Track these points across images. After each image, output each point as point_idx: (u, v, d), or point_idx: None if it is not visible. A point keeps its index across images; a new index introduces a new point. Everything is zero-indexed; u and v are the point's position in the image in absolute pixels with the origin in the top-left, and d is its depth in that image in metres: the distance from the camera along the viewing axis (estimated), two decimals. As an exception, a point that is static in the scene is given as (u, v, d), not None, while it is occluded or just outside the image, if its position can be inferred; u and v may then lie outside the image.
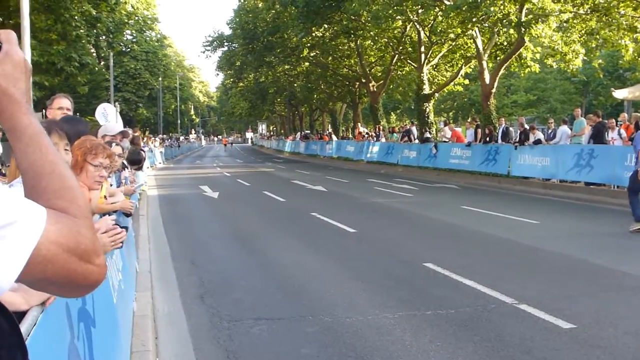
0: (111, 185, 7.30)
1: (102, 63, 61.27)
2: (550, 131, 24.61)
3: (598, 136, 20.95)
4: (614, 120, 22.41)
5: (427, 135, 34.75)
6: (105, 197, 6.21)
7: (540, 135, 24.40)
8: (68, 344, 2.80)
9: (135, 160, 11.38)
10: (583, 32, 31.15)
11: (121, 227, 3.91)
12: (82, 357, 3.09)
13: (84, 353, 3.15)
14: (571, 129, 23.98)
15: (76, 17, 30.45)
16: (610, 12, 28.16)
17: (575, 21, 30.53)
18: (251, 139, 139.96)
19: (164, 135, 78.26)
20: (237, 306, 7.95)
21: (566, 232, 13.48)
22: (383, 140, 40.04)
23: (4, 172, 26.83)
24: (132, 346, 5.88)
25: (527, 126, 25.18)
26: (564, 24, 30.93)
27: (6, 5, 28.87)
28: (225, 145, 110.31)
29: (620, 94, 26.11)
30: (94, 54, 49.92)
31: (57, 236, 1.18)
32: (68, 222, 1.22)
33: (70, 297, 1.11)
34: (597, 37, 30.78)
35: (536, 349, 6.17)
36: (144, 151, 19.57)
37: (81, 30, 31.41)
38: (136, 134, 20.47)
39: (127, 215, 6.65)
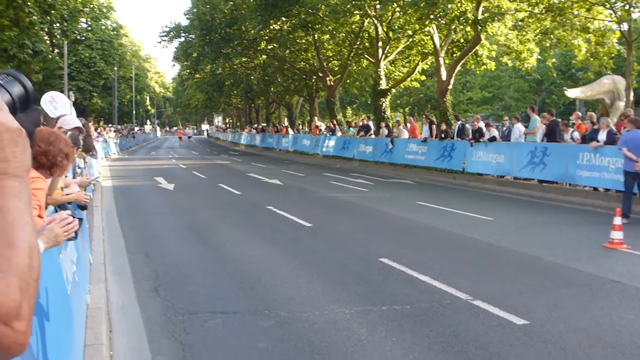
0: (66, 176, 7.18)
1: (56, 51, 60.18)
2: (505, 128, 24.92)
3: (551, 134, 21.25)
4: (567, 122, 22.75)
5: (385, 130, 34.83)
6: (61, 188, 6.10)
7: (495, 132, 24.69)
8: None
9: (89, 146, 11.21)
10: (538, 31, 31.62)
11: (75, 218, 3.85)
12: (35, 352, 3.03)
13: (37, 347, 3.08)
14: (526, 127, 24.28)
15: (29, 3, 29.86)
16: (564, 13, 28.63)
17: (530, 20, 30.98)
18: (207, 131, 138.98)
19: (119, 126, 77.27)
20: (192, 299, 7.89)
21: (519, 229, 13.67)
22: (339, 134, 40.08)
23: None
24: (85, 339, 5.80)
25: (482, 123, 25.44)
26: (520, 23, 31.41)
27: (-44, -11, 28.21)
28: (180, 138, 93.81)
29: (572, 93, 26.51)
30: (48, 42, 48.96)
31: None
32: None
33: None
34: (551, 36, 31.27)
35: (490, 344, 6.24)
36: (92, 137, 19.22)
37: (34, 17, 30.82)
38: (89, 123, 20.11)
39: (82, 207, 6.54)
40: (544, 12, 29.48)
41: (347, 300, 7.83)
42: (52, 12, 34.40)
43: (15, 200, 1.26)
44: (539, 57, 35.58)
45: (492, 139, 23.89)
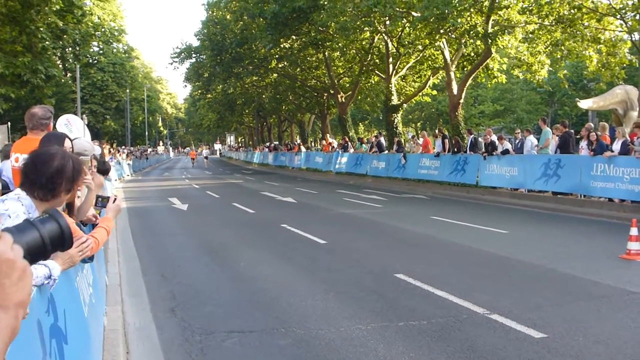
0: (78, 197, 7.20)
1: (69, 75, 60.76)
2: (517, 141, 24.84)
3: (565, 146, 21.18)
4: (587, 128, 22.56)
5: (397, 146, 34.78)
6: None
7: (508, 145, 24.62)
8: (41, 362, 2.74)
9: (104, 171, 11.28)
10: (548, 43, 31.58)
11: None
12: (55, 375, 3.03)
13: (56, 371, 3.09)
14: (538, 139, 24.20)
15: (42, 29, 30.10)
16: (575, 24, 28.59)
17: (540, 32, 30.94)
18: (219, 150, 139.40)
19: (132, 148, 77.66)
20: (208, 319, 7.89)
21: (535, 242, 13.57)
22: (351, 151, 40.10)
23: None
24: (103, 361, 5.80)
25: (494, 136, 25.38)
26: (530, 35, 31.38)
27: (-30, 17, 28.51)
28: (193, 159, 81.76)
29: (584, 104, 26.47)
30: (60, 66, 49.41)
31: None
32: None
33: None
34: (562, 48, 31.20)
35: (509, 359, 6.20)
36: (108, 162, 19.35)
37: (47, 42, 31.04)
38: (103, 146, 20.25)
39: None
40: (554, 23, 29.45)
41: (364, 316, 7.80)
42: (65, 37, 34.63)
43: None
44: (550, 68, 35.54)
45: (505, 152, 23.82)
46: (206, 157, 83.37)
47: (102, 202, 5.55)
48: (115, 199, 5.11)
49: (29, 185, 3.24)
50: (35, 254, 1.51)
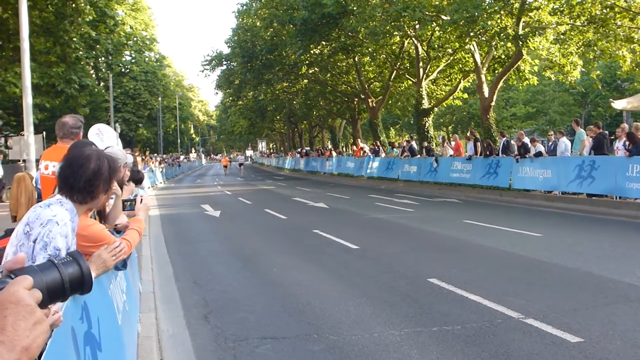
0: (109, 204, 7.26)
1: (102, 84, 61.47)
2: (550, 143, 24.58)
3: (599, 147, 20.92)
4: (623, 128, 22.25)
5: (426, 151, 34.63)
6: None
7: (541, 147, 24.37)
8: (74, 369, 2.76)
9: (137, 180, 11.40)
10: (580, 43, 31.27)
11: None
12: (89, 382, 3.05)
13: (90, 378, 3.11)
14: (571, 141, 23.94)
15: (75, 39, 30.55)
16: (607, 24, 28.26)
17: (572, 33, 30.65)
18: (251, 156, 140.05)
19: (164, 155, 78.29)
20: (241, 325, 7.90)
21: (570, 245, 13.41)
22: (383, 155, 40.01)
23: (3, 196, 26.76)
24: (137, 369, 5.84)
25: (527, 139, 25.14)
26: (562, 36, 31.08)
27: (5, 28, 29.00)
28: (226, 167, 74.88)
29: (619, 104, 26.12)
30: (94, 75, 50.06)
31: None
32: None
33: None
34: (595, 48, 30.88)
35: (544, 364, 6.12)
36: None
37: (80, 52, 31.50)
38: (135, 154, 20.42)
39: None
40: (586, 24, 29.15)
41: (397, 322, 7.76)
42: (97, 46, 35.11)
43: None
44: (583, 69, 35.17)
45: (538, 154, 23.59)
46: (241, 164, 75.59)
47: (130, 205, 5.58)
48: (142, 199, 5.14)
49: (68, 190, 3.25)
50: (54, 295, 1.54)
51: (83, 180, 3.23)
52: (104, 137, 21.62)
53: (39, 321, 1.32)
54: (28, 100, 18.96)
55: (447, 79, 46.52)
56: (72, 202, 3.21)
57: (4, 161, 31.11)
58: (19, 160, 26.34)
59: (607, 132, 22.52)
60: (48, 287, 1.50)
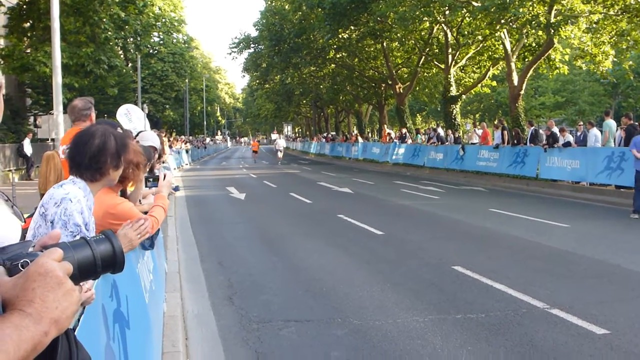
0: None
1: (130, 65, 61.73)
2: (579, 133, 24.30)
3: (630, 139, 20.66)
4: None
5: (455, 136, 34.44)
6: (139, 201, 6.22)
7: (570, 137, 24.11)
8: (104, 345, 2.78)
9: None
10: (613, 33, 30.85)
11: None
12: (118, 358, 3.08)
13: (119, 354, 3.14)
14: (601, 131, 23.66)
15: (105, 20, 30.71)
16: (642, 14, 27.82)
17: (605, 22, 30.23)
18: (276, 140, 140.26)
19: (190, 137, 78.67)
20: (265, 308, 7.94)
21: (597, 237, 13.28)
22: (409, 142, 39.86)
23: (32, 174, 27.01)
24: (163, 347, 5.88)
25: (556, 128, 24.87)
26: (594, 25, 30.65)
27: (36, 8, 29.19)
28: (255, 152, 63.60)
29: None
30: (122, 56, 50.26)
31: None
32: None
33: None
34: (628, 38, 30.45)
35: (570, 355, 6.08)
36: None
37: (109, 33, 31.66)
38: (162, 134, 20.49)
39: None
40: (620, 13, 28.74)
41: (421, 308, 7.75)
42: (126, 27, 35.29)
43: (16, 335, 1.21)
44: (615, 59, 34.69)
45: (567, 144, 23.35)
46: (280, 150, 56.55)
47: (152, 182, 5.59)
48: (165, 175, 5.15)
49: (76, 168, 3.22)
50: (85, 272, 1.53)
51: (88, 157, 3.19)
52: (132, 117, 21.76)
53: (69, 292, 1.30)
54: (58, 79, 19.07)
55: (476, 66, 46.15)
56: (83, 180, 3.20)
57: (33, 140, 31.40)
58: (48, 139, 26.54)
59: (637, 123, 22.20)
60: (79, 263, 1.51)
